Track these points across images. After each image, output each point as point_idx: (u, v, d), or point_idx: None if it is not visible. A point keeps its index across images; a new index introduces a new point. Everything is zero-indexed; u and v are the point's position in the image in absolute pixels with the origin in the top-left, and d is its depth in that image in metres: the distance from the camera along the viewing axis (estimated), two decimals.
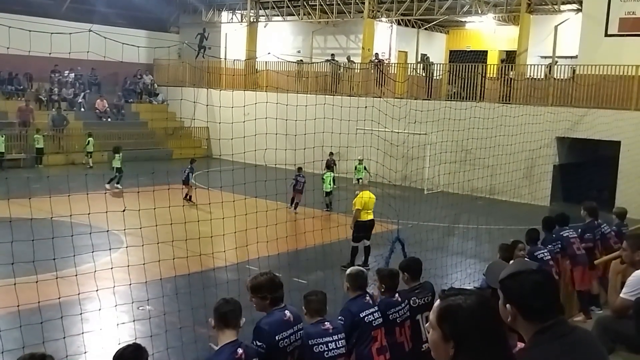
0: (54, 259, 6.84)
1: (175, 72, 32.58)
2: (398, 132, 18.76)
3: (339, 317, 5.31)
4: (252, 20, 31.97)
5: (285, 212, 16.45)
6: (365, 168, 20.55)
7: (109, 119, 29.57)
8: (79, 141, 26.00)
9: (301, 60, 29.42)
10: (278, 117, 9.23)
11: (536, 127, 18.06)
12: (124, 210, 7.01)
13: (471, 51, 30.63)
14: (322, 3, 28.79)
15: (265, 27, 33.00)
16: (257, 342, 4.44)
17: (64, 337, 6.74)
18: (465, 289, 2.34)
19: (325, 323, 4.91)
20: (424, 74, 25.72)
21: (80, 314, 8.00)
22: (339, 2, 28.31)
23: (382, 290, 5.83)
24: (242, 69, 29.84)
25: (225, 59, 31.31)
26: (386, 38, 30.41)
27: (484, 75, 23.67)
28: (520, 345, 2.76)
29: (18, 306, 6.32)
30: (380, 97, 19.93)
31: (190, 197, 18.07)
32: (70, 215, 7.28)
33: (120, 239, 11.90)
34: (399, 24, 30.30)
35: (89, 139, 24.94)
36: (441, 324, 2.21)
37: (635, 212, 13.95)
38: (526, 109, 19.10)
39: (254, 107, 8.69)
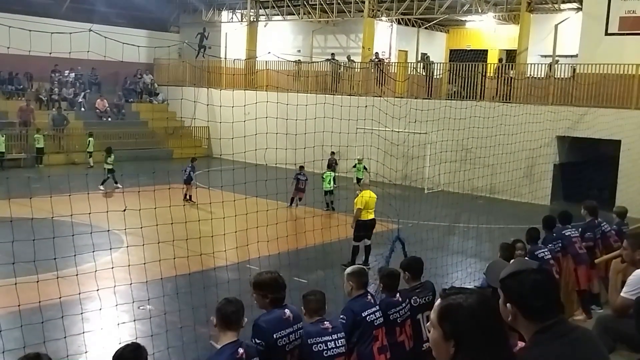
0: (55, 259, 6.85)
1: (175, 72, 32.59)
2: (398, 132, 18.76)
3: (341, 316, 5.31)
4: (252, 19, 31.97)
5: (285, 211, 16.46)
6: (365, 167, 20.57)
7: (110, 119, 29.58)
8: (79, 141, 26.01)
9: (299, 60, 29.41)
10: (278, 117, 9.24)
11: (536, 126, 18.07)
12: (124, 210, 7.01)
13: (471, 50, 30.63)
14: (322, 2, 28.79)
15: (265, 26, 33.00)
16: (256, 339, 4.45)
17: (65, 337, 6.75)
18: (466, 288, 2.34)
19: (325, 322, 4.92)
20: (424, 73, 25.70)
21: (81, 313, 8.02)
22: (339, 1, 28.30)
23: (381, 288, 5.84)
24: (242, 69, 29.85)
25: (226, 58, 31.30)
26: (386, 37, 30.42)
27: (484, 74, 23.66)
28: (520, 344, 2.76)
29: (19, 306, 6.33)
30: (380, 97, 19.93)
31: (191, 196, 18.08)
32: (71, 215, 7.30)
33: (121, 239, 11.90)
34: (399, 23, 30.30)
35: (90, 138, 24.95)
36: (442, 322, 2.21)
37: (636, 211, 13.94)
38: (526, 108, 19.10)
39: (254, 106, 8.69)
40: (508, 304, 2.48)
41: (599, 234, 9.30)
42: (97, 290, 7.18)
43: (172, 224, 7.58)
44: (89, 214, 7.36)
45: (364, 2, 27.24)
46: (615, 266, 5.34)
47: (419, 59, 29.38)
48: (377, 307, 5.48)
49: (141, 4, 29.71)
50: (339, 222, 12.30)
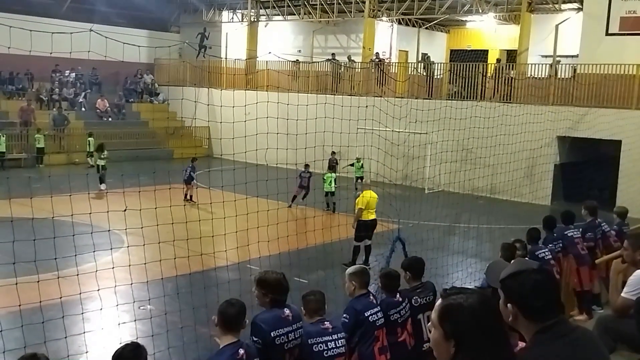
0: (55, 259, 6.86)
1: (176, 72, 32.60)
2: (399, 132, 18.76)
3: (344, 315, 5.32)
4: (252, 19, 31.98)
5: (286, 211, 16.45)
6: (362, 166, 20.61)
7: (110, 119, 29.59)
8: (79, 141, 26.02)
9: (297, 60, 29.41)
10: (279, 117, 9.24)
11: (537, 126, 18.06)
12: (125, 210, 7.02)
13: (472, 50, 30.63)
14: (322, 2, 28.79)
15: (265, 26, 33.01)
16: (254, 337, 4.47)
17: (65, 337, 6.75)
18: (467, 288, 2.34)
19: (325, 322, 4.92)
20: (424, 73, 25.70)
21: (82, 313, 8.03)
22: (339, 1, 28.30)
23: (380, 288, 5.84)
24: (243, 69, 29.86)
25: (226, 58, 31.30)
26: (387, 37, 30.42)
27: (484, 74, 23.67)
28: (521, 344, 2.76)
29: (19, 306, 6.33)
30: (381, 97, 19.93)
31: (191, 196, 18.08)
32: (72, 215, 7.30)
33: (122, 239, 11.91)
34: (399, 23, 30.30)
35: (90, 138, 24.96)
36: (442, 322, 2.22)
37: (636, 212, 13.93)
38: (527, 108, 19.11)
39: (254, 106, 8.69)
40: (509, 304, 2.48)
41: (600, 234, 9.30)
42: (98, 290, 7.19)
43: (172, 224, 7.58)
44: (90, 214, 7.36)
45: (364, 2, 27.24)
46: (615, 266, 5.33)
47: (420, 59, 29.37)
48: (379, 308, 5.48)
49: (142, 4, 29.71)
50: (340, 222, 12.29)
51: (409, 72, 26.04)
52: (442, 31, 32.89)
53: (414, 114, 15.07)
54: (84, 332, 7.20)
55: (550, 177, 21.03)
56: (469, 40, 32.11)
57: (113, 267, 7.43)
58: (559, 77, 22.14)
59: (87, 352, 7.20)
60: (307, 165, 17.84)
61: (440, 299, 2.30)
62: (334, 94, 22.64)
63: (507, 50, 28.61)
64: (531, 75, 22.71)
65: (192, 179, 18.41)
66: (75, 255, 7.28)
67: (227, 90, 26.78)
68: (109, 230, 8.20)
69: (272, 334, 4.50)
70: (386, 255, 10.54)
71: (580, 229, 9.23)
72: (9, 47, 8.92)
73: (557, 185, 21.33)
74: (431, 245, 11.00)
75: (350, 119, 10.57)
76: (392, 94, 23.09)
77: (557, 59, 24.32)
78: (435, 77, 25.43)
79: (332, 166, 20.05)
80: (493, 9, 26.44)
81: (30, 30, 9.47)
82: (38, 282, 6.69)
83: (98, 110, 29.34)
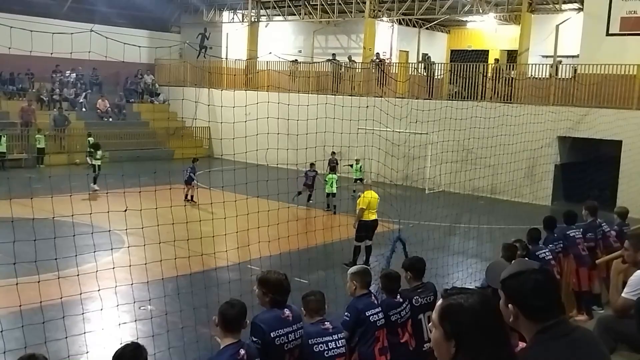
0: (56, 259, 6.86)
1: (176, 72, 32.60)
2: (399, 132, 18.75)
3: (345, 314, 5.33)
4: (253, 20, 31.98)
5: (286, 211, 16.41)
6: (360, 168, 20.61)
7: (111, 119, 29.60)
8: (80, 141, 26.01)
9: (296, 60, 29.41)
10: (279, 117, 9.24)
11: (537, 126, 18.05)
12: (125, 210, 7.02)
13: (472, 51, 30.64)
14: (323, 3, 28.79)
15: (266, 26, 33.00)
16: (253, 337, 4.47)
17: (66, 337, 6.75)
18: (467, 288, 2.34)
19: (325, 323, 4.92)
20: (425, 74, 25.71)
21: (82, 313, 8.03)
22: (340, 1, 28.30)
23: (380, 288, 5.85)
24: (243, 69, 29.86)
25: (227, 58, 31.31)
26: (387, 38, 30.41)
27: (485, 74, 23.67)
28: (521, 344, 2.76)
29: (20, 306, 6.33)
30: (381, 97, 19.94)
31: (192, 197, 18.09)
32: (72, 215, 7.30)
33: (122, 239, 11.91)
34: (400, 23, 30.29)
35: (89, 139, 24.93)
36: (443, 322, 2.22)
37: (637, 212, 13.91)
38: (527, 109, 19.11)
39: (255, 107, 8.69)
40: (509, 305, 2.48)
41: (600, 235, 9.30)
42: (98, 290, 7.19)
43: (173, 224, 7.58)
44: (90, 214, 7.35)
45: (365, 3, 27.25)
46: (616, 267, 5.34)
47: (420, 59, 29.37)
48: (380, 308, 5.49)
49: (142, 4, 29.73)
50: (340, 223, 12.29)
51: (410, 73, 26.03)
52: (442, 31, 32.89)
53: (415, 114, 15.06)
54: (85, 333, 7.20)
55: (551, 177, 21.03)
56: (469, 40, 32.10)
57: (113, 268, 7.43)
58: (559, 77, 22.15)
59: (87, 352, 7.20)
60: (312, 164, 17.91)
61: (440, 299, 2.31)
62: (335, 94, 22.63)
63: (508, 51, 28.61)
64: (532, 75, 22.71)
65: (192, 180, 18.43)
66: (76, 256, 7.28)
67: (228, 90, 26.68)
68: (109, 231, 8.19)
69: (271, 335, 4.50)
70: (386, 256, 10.52)
71: (582, 229, 9.23)
72: (9, 48, 8.91)
73: (558, 186, 21.33)
74: (432, 245, 10.99)
75: (351, 119, 10.56)
76: (393, 94, 23.06)
77: (558, 59, 24.31)
78: (436, 77, 25.43)
79: (333, 167, 20.07)
80: (493, 9, 26.43)
81: (31, 31, 9.47)
82: (38, 282, 6.68)
83: (98, 111, 29.35)
